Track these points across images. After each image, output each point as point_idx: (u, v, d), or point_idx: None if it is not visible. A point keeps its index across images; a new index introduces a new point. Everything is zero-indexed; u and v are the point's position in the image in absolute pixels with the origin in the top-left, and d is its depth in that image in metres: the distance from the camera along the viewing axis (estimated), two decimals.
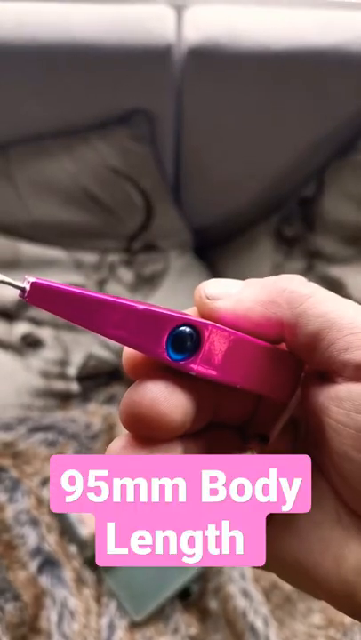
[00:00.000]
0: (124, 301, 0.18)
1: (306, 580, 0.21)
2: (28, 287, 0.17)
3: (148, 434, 0.19)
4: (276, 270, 0.87)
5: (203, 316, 0.21)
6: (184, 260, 0.88)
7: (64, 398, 0.78)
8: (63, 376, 0.78)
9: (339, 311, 0.19)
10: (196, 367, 0.19)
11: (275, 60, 0.69)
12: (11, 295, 0.79)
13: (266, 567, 0.22)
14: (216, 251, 0.95)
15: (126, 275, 0.85)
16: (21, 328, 0.80)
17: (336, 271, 0.87)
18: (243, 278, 0.22)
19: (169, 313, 0.19)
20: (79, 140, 0.77)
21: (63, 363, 0.79)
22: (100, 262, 0.85)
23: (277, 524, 0.22)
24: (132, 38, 0.67)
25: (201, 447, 0.21)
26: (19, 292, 0.17)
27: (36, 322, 0.80)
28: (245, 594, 0.58)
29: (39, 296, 0.17)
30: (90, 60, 0.68)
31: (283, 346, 0.22)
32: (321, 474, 0.21)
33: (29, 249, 0.83)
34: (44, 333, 0.80)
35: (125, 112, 0.75)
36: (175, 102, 0.74)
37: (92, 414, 0.73)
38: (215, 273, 0.91)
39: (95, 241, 0.85)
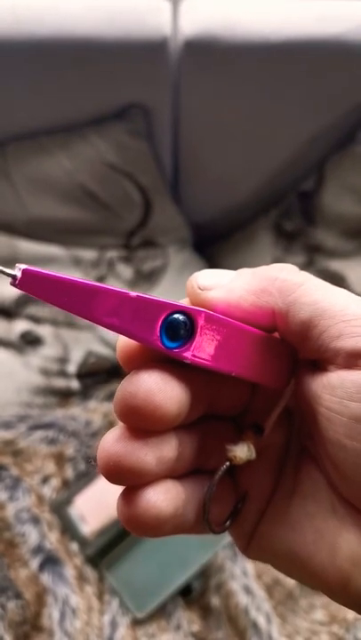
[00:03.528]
0: (117, 289, 0.18)
1: (301, 571, 0.21)
2: (19, 274, 0.17)
3: (143, 425, 0.19)
4: None
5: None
6: (183, 256, 0.87)
7: (64, 396, 0.77)
8: (63, 373, 0.78)
9: (330, 299, 0.19)
10: (190, 355, 0.19)
11: (273, 52, 0.68)
12: (10, 292, 0.79)
13: (262, 559, 0.22)
14: (215, 246, 0.95)
15: (125, 271, 0.85)
16: (21, 326, 0.79)
17: (337, 265, 0.87)
18: None
19: (163, 300, 0.19)
20: (75, 137, 0.76)
21: (63, 360, 0.79)
22: (98, 259, 0.84)
23: (272, 516, 0.22)
24: (128, 32, 0.66)
25: (195, 438, 0.21)
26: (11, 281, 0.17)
27: (36, 319, 0.80)
28: (247, 590, 0.58)
29: (31, 283, 0.17)
30: (85, 54, 0.68)
31: (276, 335, 0.21)
32: (315, 463, 0.21)
33: (27, 246, 0.82)
34: (44, 331, 0.80)
35: (121, 107, 0.74)
36: (172, 96, 0.73)
37: (93, 412, 0.73)
38: (215, 268, 0.90)
39: (93, 237, 0.84)
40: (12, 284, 0.17)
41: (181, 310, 0.19)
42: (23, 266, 0.17)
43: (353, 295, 0.20)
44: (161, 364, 0.19)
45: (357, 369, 0.18)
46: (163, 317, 0.19)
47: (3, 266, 0.18)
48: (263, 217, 0.90)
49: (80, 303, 0.18)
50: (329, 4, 0.70)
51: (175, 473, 0.20)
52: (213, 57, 0.69)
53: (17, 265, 0.17)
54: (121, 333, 0.19)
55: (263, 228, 0.90)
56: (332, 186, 0.84)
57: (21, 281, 0.17)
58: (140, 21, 0.66)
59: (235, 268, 0.22)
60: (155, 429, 0.19)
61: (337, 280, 0.85)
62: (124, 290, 0.18)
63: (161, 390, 0.19)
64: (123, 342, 0.20)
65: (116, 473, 0.19)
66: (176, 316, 0.19)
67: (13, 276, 0.17)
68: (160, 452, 0.19)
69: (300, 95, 0.75)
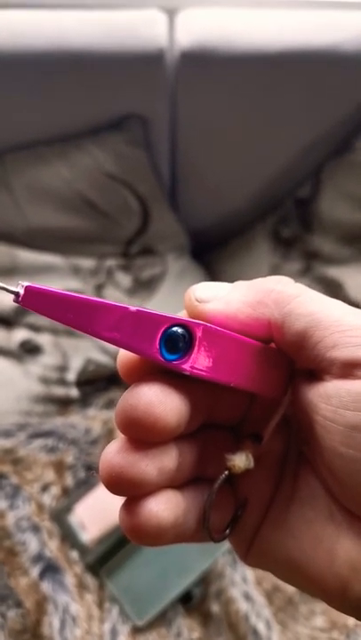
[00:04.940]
0: (118, 304, 0.18)
1: (300, 578, 0.21)
2: (22, 291, 0.17)
3: (144, 437, 0.19)
4: (274, 272, 0.87)
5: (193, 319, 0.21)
6: (182, 264, 0.88)
7: (63, 404, 0.78)
8: (62, 382, 0.78)
9: (326, 310, 0.20)
10: (189, 367, 0.19)
11: (268, 62, 0.69)
12: (9, 302, 0.79)
13: (261, 566, 0.22)
14: (213, 253, 0.95)
15: (124, 279, 0.85)
16: (20, 334, 0.80)
17: (334, 272, 0.87)
18: (240, 280, 0.22)
19: (161, 314, 0.19)
20: (74, 147, 0.77)
21: (62, 368, 0.79)
22: (97, 267, 0.85)
23: (271, 523, 0.22)
24: (125, 44, 0.67)
25: (195, 448, 0.22)
26: (13, 296, 0.18)
27: (35, 328, 0.80)
28: (247, 597, 0.58)
29: (33, 300, 0.18)
30: (83, 66, 0.68)
31: (272, 346, 0.22)
32: (313, 471, 0.22)
33: (27, 255, 0.83)
34: (43, 339, 0.80)
35: (119, 117, 0.75)
36: (169, 106, 0.74)
37: (92, 419, 0.73)
38: (213, 275, 0.91)
39: (92, 246, 0.85)
40: (15, 300, 0.18)
41: (180, 323, 0.19)
42: (25, 283, 0.18)
43: (348, 306, 0.20)
44: (161, 375, 0.20)
45: (352, 378, 0.19)
46: (162, 330, 0.19)
47: (2, 275, 0.18)
48: (260, 224, 0.91)
49: (81, 319, 0.18)
50: (324, 14, 0.71)
51: (175, 482, 0.21)
52: (210, 67, 0.70)
53: (19, 282, 0.18)
54: (121, 347, 0.19)
55: (261, 234, 0.90)
56: (329, 193, 0.84)
57: (24, 298, 0.17)
58: (136, 33, 0.67)
59: (233, 275, 0.23)
60: (155, 440, 0.19)
61: (334, 286, 0.85)
62: (124, 304, 0.19)
63: (161, 402, 0.19)
64: (123, 355, 0.20)
65: (118, 484, 0.19)
66: (175, 328, 0.19)
67: (16, 293, 0.17)
68: (161, 462, 0.19)
69: (296, 104, 0.75)
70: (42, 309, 0.18)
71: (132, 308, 0.18)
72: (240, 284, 0.22)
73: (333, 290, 0.85)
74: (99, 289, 0.84)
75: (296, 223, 0.89)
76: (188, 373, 0.19)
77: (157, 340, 0.19)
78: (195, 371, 0.19)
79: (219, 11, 0.71)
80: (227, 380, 0.20)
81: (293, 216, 0.89)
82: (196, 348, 0.19)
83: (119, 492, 0.19)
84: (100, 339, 0.18)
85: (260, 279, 0.22)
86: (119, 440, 0.20)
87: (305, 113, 0.77)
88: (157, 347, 0.19)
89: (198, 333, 0.19)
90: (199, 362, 0.19)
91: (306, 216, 0.88)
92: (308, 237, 0.88)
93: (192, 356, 0.19)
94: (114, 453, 0.19)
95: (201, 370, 0.19)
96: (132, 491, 0.19)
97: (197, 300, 0.21)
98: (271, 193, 0.89)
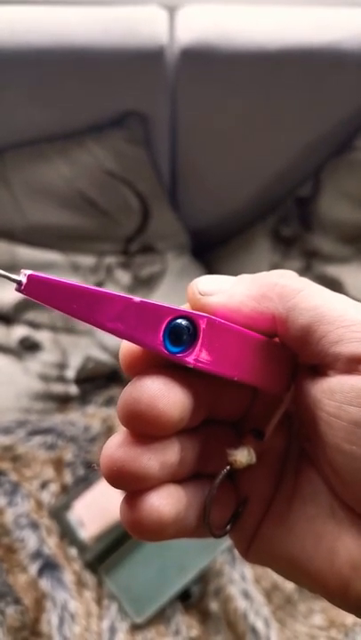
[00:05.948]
0: (121, 294, 0.18)
1: (301, 575, 0.21)
2: (24, 280, 0.17)
3: (147, 431, 0.19)
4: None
5: None
6: (181, 262, 0.88)
7: (63, 401, 0.78)
8: (62, 379, 0.78)
9: (330, 304, 0.20)
10: (193, 360, 0.19)
11: (269, 60, 0.69)
12: (9, 298, 0.79)
13: (262, 563, 0.22)
14: (213, 252, 0.95)
15: (124, 277, 0.85)
16: (19, 331, 0.80)
17: (334, 270, 0.87)
18: None
19: (166, 305, 0.19)
20: (74, 144, 0.77)
21: (61, 366, 0.79)
22: (97, 265, 0.85)
23: (272, 520, 0.22)
24: (125, 40, 0.67)
25: (197, 443, 0.21)
26: (15, 286, 0.18)
27: (34, 325, 0.80)
28: (246, 595, 0.58)
29: (35, 289, 0.17)
30: (83, 63, 0.68)
31: (276, 340, 0.22)
32: (314, 468, 0.21)
33: (26, 252, 0.83)
34: (42, 336, 0.80)
35: (120, 115, 0.75)
36: (169, 104, 0.74)
37: (91, 417, 0.73)
38: (213, 274, 0.90)
39: (92, 244, 0.85)
40: (18, 289, 0.17)
41: (184, 315, 0.19)
42: (28, 271, 0.17)
43: (352, 301, 0.20)
44: (164, 369, 0.19)
45: (357, 374, 0.19)
46: (166, 322, 0.19)
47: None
48: (261, 223, 0.91)
49: (84, 308, 0.18)
50: (324, 11, 0.71)
51: (177, 477, 0.21)
52: (210, 65, 0.70)
53: (22, 270, 0.17)
54: (124, 338, 0.19)
55: (261, 233, 0.90)
56: (329, 192, 0.84)
57: (26, 286, 0.17)
58: (136, 30, 0.67)
59: (233, 274, 0.22)
60: (158, 434, 0.19)
61: (334, 285, 0.85)
62: (128, 295, 0.18)
63: (164, 396, 0.19)
64: (126, 347, 0.20)
65: (119, 478, 0.19)
66: (179, 321, 0.19)
67: (18, 282, 0.17)
68: (163, 456, 0.19)
69: (296, 102, 0.75)
70: (44, 298, 0.18)
71: (136, 299, 0.18)
72: (244, 277, 0.22)
73: (333, 289, 0.83)
74: (98, 286, 0.83)
75: (296, 222, 0.89)
76: (191, 366, 0.19)
77: (161, 332, 0.19)
78: (198, 364, 0.19)
79: (219, 8, 0.70)
80: (230, 374, 0.20)
81: (294, 215, 0.89)
82: (200, 341, 0.19)
83: (120, 485, 0.19)
84: (103, 329, 0.18)
85: (263, 273, 0.22)
86: (121, 433, 0.20)
87: (306, 111, 0.77)
88: (161, 339, 0.19)
89: (202, 326, 0.19)
90: (203, 355, 0.19)
91: (306, 215, 0.88)
92: (308, 236, 0.88)
93: (196, 348, 0.19)
94: (115, 447, 0.19)
95: (205, 363, 0.19)
96: (133, 485, 0.19)
97: (201, 293, 0.21)
98: (271, 192, 0.89)
